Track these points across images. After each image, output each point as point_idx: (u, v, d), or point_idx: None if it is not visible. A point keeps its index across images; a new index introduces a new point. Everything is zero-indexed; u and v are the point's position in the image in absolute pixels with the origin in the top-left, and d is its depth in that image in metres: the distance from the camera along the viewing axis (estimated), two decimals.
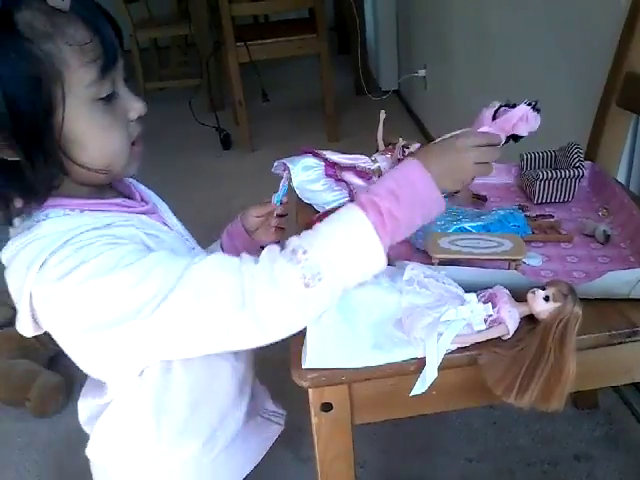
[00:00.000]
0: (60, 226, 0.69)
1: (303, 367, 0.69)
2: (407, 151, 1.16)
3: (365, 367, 0.69)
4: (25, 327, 0.70)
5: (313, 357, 0.70)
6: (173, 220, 0.86)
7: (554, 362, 0.68)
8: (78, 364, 0.75)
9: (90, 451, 0.85)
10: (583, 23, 1.38)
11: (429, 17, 2.85)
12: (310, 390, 0.71)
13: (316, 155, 1.14)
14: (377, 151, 1.19)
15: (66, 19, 0.64)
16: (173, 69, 4.36)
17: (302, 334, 0.70)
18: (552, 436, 1.40)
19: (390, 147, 1.18)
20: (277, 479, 1.39)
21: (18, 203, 0.70)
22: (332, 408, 0.73)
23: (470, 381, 0.73)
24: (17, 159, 0.66)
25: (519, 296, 0.73)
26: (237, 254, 0.68)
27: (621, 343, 0.75)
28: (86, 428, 0.86)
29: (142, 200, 0.83)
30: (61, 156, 0.68)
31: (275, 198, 0.95)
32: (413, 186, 0.68)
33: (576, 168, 1.03)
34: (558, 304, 0.70)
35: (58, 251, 0.66)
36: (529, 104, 0.78)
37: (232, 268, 0.65)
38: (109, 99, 0.70)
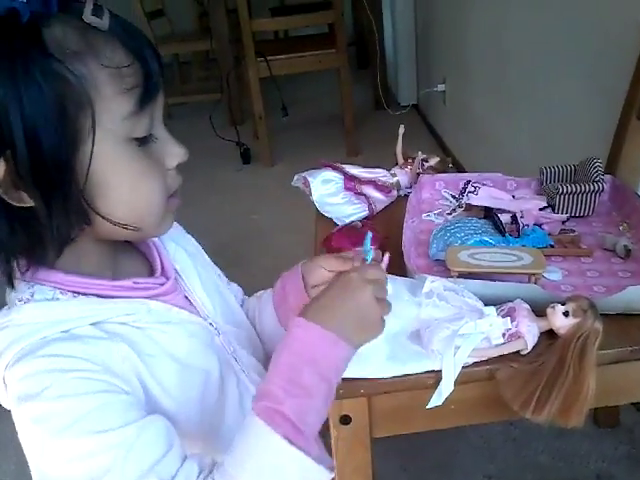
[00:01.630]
0: (40, 315, 0.58)
1: None
2: (426, 165, 1.17)
3: (383, 380, 0.69)
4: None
5: None
6: (197, 290, 0.74)
7: (573, 378, 0.68)
8: None
9: None
10: (602, 37, 1.38)
11: (448, 32, 2.86)
12: None
13: (335, 169, 1.15)
14: (396, 165, 1.20)
15: (103, 39, 0.55)
16: (194, 84, 4.42)
17: None
18: (572, 454, 1.38)
19: (409, 161, 1.19)
20: None
21: (22, 261, 0.59)
22: (351, 421, 0.73)
23: (488, 396, 0.73)
24: (28, 205, 0.55)
25: (539, 310, 0.73)
26: (286, 313, 0.67)
27: None
28: None
29: (162, 270, 0.71)
30: (83, 203, 0.57)
31: (367, 254, 0.72)
32: (315, 362, 0.57)
33: (596, 182, 1.03)
34: (578, 319, 0.69)
35: (25, 359, 0.55)
36: None
37: None
38: (145, 141, 0.59)
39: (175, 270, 0.73)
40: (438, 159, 1.19)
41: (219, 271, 0.87)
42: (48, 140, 0.52)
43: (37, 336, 0.56)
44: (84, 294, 0.61)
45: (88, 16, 0.54)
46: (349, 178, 1.13)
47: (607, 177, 1.08)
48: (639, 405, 1.46)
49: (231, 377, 0.73)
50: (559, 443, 1.40)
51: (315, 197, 1.11)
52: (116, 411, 0.56)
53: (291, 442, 0.54)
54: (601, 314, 0.70)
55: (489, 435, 1.45)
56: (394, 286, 0.78)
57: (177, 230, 0.80)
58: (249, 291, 0.94)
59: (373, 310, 0.62)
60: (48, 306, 0.59)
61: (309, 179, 1.12)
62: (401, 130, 1.21)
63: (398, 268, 0.84)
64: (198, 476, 0.57)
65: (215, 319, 0.74)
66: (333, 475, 0.58)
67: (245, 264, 2.19)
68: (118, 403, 0.57)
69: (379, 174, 1.16)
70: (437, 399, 0.68)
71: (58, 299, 0.60)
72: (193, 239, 0.85)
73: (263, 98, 3.07)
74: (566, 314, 0.70)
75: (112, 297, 0.63)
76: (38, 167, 0.52)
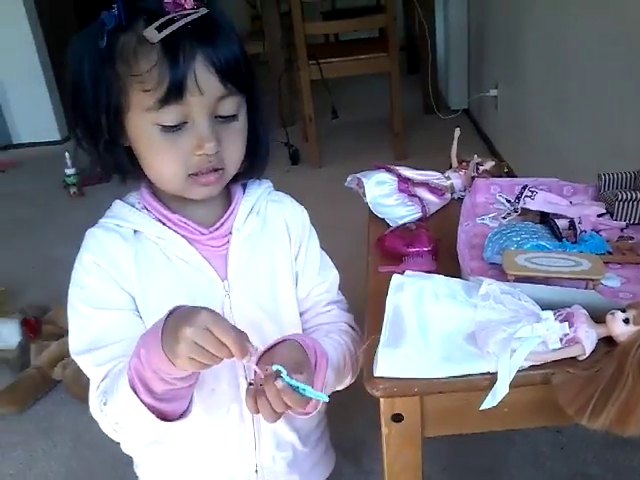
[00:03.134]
0: (117, 211, 0.85)
1: (374, 375, 0.70)
2: (481, 169, 1.17)
3: (437, 379, 0.70)
4: None
5: (384, 366, 0.70)
6: (234, 256, 0.85)
7: (632, 385, 0.67)
8: None
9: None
10: None
11: (502, 36, 2.83)
12: (382, 400, 0.72)
13: (389, 170, 1.15)
14: (450, 168, 1.20)
15: (148, 49, 0.71)
16: None
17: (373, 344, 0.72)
18: (624, 466, 1.35)
19: (464, 164, 1.19)
20: None
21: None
22: (403, 419, 0.73)
23: (542, 400, 0.72)
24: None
25: (596, 317, 0.72)
26: None
27: None
28: None
29: (219, 226, 0.85)
30: (120, 153, 0.79)
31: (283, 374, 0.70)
32: (148, 349, 0.70)
33: None
34: (638, 327, 0.68)
35: (90, 229, 0.85)
36: None
37: (94, 385, 0.80)
38: (173, 128, 0.75)
39: (231, 232, 0.86)
40: (493, 163, 1.19)
41: (314, 270, 0.94)
42: (95, 105, 0.76)
43: (103, 219, 0.85)
44: (151, 212, 0.84)
45: (147, 30, 0.71)
46: (403, 180, 1.14)
47: None
48: None
49: None
50: (609, 454, 1.38)
51: (369, 198, 1.12)
52: (102, 294, 0.81)
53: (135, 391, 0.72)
54: None
55: (537, 442, 1.43)
56: (449, 287, 0.79)
57: (294, 212, 0.94)
58: None
59: (180, 345, 0.66)
60: (123, 207, 0.85)
61: (363, 180, 1.13)
62: (457, 133, 1.20)
63: (453, 270, 0.85)
64: (103, 379, 0.78)
65: (234, 285, 0.85)
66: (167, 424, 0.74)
67: None
68: (106, 289, 0.81)
69: (433, 177, 1.16)
70: (491, 401, 0.68)
71: (133, 206, 0.85)
72: (304, 227, 0.95)
73: (313, 100, 3.10)
74: (626, 321, 0.69)
75: (166, 224, 0.83)
76: (88, 123, 0.78)
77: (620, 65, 1.58)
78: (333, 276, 0.97)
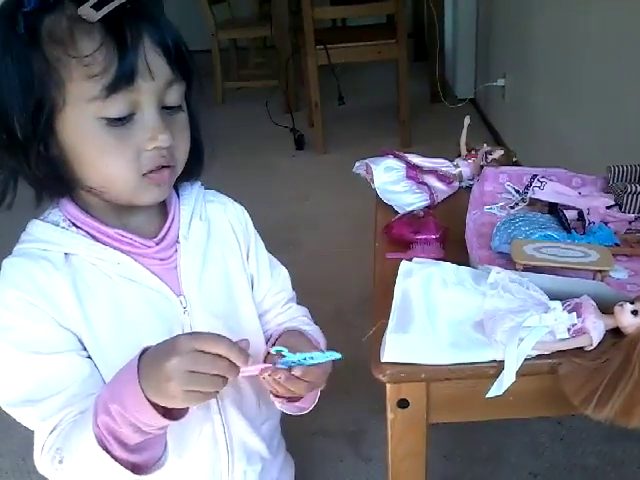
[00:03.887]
0: (39, 232, 0.72)
1: (381, 360, 0.70)
2: (490, 157, 1.16)
3: (444, 366, 0.70)
4: None
5: (391, 351, 0.71)
6: (187, 267, 0.77)
7: (638, 378, 0.67)
8: None
9: None
10: None
11: (511, 26, 2.81)
12: (388, 385, 0.73)
13: (398, 157, 1.15)
14: (459, 156, 1.20)
15: (87, 30, 0.62)
16: (251, 70, 4.46)
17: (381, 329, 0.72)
18: (622, 459, 1.36)
19: (472, 153, 1.19)
20: (335, 476, 1.40)
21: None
22: (408, 405, 0.74)
23: (548, 390, 0.73)
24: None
25: (604, 308, 0.72)
26: None
27: None
28: None
29: (164, 236, 0.77)
30: (58, 164, 0.67)
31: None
32: (122, 402, 0.62)
33: None
34: None
35: (7, 258, 0.72)
36: None
37: (39, 441, 0.70)
38: (120, 121, 0.66)
39: (177, 241, 0.78)
40: (502, 152, 1.18)
41: (263, 263, 0.89)
42: (18, 108, 0.64)
43: (22, 245, 0.72)
44: (82, 229, 0.72)
45: (82, 8, 0.62)
46: (411, 167, 1.14)
47: None
48: None
49: None
50: (608, 446, 1.38)
51: (377, 184, 1.11)
52: (35, 336, 0.68)
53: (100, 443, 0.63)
54: None
55: (537, 433, 1.44)
56: (457, 274, 0.79)
57: (237, 213, 0.86)
58: (297, 276, 0.96)
59: (172, 382, 0.59)
60: (47, 227, 0.72)
61: (372, 166, 1.12)
62: (467, 121, 1.20)
63: (460, 258, 0.85)
64: (51, 432, 0.68)
65: (192, 299, 0.77)
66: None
67: (296, 249, 2.22)
68: (41, 330, 0.69)
69: (442, 164, 1.16)
70: (497, 389, 0.68)
71: (58, 224, 0.72)
72: (248, 228, 0.88)
73: (320, 86, 3.08)
74: (635, 313, 0.69)
75: (102, 242, 0.72)
76: (5, 127, 0.65)
77: (631, 56, 1.57)
78: (284, 274, 0.93)
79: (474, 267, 0.82)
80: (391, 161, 1.14)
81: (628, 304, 0.70)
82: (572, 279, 0.78)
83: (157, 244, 0.76)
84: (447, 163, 1.16)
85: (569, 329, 0.70)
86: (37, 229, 0.73)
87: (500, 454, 1.41)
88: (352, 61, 3.13)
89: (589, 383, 0.68)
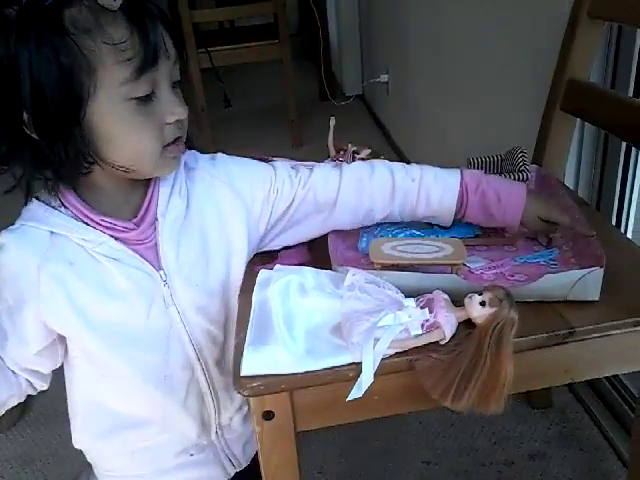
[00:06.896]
0: (32, 213, 0.77)
1: (241, 374, 0.69)
2: (357, 157, 1.17)
3: (302, 374, 0.69)
4: None
5: (249, 365, 0.69)
6: (166, 243, 0.81)
7: (490, 366, 0.69)
8: None
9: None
10: (530, 28, 1.41)
11: (390, 22, 2.87)
12: (251, 399, 0.71)
13: (266, 161, 1.14)
14: (328, 157, 1.20)
15: (111, 18, 0.68)
16: None
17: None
18: (507, 436, 1.42)
19: (341, 153, 1.19)
20: None
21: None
22: (274, 416, 0.73)
23: (411, 385, 0.74)
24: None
25: (460, 301, 0.74)
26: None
27: (559, 344, 0.76)
28: None
29: (143, 216, 0.81)
30: (83, 147, 0.71)
31: None
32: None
33: (521, 172, 1.05)
34: (494, 309, 0.70)
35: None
36: None
37: None
38: (145, 100, 0.71)
39: (156, 219, 0.82)
40: (369, 151, 1.19)
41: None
42: (52, 95, 0.67)
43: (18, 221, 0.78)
44: (70, 210, 0.77)
45: None
46: None
47: (532, 167, 1.11)
48: (571, 386, 1.51)
49: (164, 323, 0.83)
50: (495, 426, 1.44)
51: None
52: None
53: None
54: (519, 302, 0.71)
55: (428, 421, 1.48)
56: (317, 279, 0.78)
57: (215, 187, 0.87)
58: None
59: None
60: (39, 206, 0.77)
61: None
62: (332, 122, 1.20)
63: (328, 262, 0.85)
64: None
65: (171, 272, 0.82)
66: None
67: None
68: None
69: (311, 167, 1.15)
70: (357, 391, 0.68)
71: (49, 204, 0.77)
72: (234, 199, 0.87)
73: (205, 89, 3.03)
74: (483, 304, 0.71)
75: (86, 224, 0.77)
76: (40, 114, 0.69)
77: (494, 53, 1.64)
78: (277, 168, 0.95)
79: (335, 270, 0.82)
80: None
81: (476, 295, 0.72)
82: (428, 275, 0.79)
83: (137, 225, 0.80)
84: (317, 165, 1.16)
85: (422, 325, 0.71)
86: (30, 206, 0.79)
87: (394, 446, 1.43)
88: (236, 63, 3.10)
89: (445, 376, 0.70)
